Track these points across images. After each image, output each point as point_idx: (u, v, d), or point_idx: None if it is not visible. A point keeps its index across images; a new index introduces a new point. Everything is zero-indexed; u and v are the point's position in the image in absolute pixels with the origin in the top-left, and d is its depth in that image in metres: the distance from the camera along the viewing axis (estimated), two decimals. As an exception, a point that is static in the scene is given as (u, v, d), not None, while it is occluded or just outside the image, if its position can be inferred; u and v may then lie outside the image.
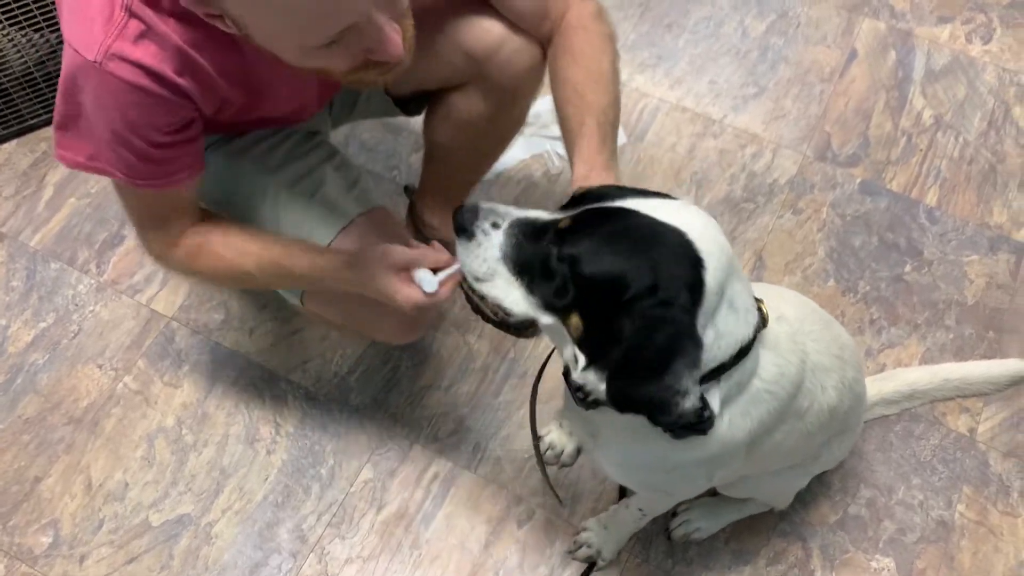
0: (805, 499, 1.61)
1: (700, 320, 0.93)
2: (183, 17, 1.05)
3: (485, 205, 1.01)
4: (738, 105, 2.13)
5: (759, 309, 1.02)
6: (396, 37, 1.03)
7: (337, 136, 1.80)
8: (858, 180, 2.02)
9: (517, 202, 1.94)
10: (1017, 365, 1.71)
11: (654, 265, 0.92)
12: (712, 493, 1.52)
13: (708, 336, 0.94)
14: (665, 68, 2.18)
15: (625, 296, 0.92)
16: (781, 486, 1.48)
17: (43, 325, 1.79)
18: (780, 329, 1.09)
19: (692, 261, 0.93)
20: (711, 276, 0.93)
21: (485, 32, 1.36)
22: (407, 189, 1.88)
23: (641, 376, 0.92)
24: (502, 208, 1.01)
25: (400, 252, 1.16)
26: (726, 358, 0.98)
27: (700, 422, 0.95)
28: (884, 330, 1.82)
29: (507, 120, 1.53)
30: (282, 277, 1.30)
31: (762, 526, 1.61)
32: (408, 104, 1.57)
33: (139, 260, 1.85)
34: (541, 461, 1.39)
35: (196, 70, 1.11)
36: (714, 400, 0.98)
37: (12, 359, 1.75)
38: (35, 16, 1.81)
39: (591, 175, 1.14)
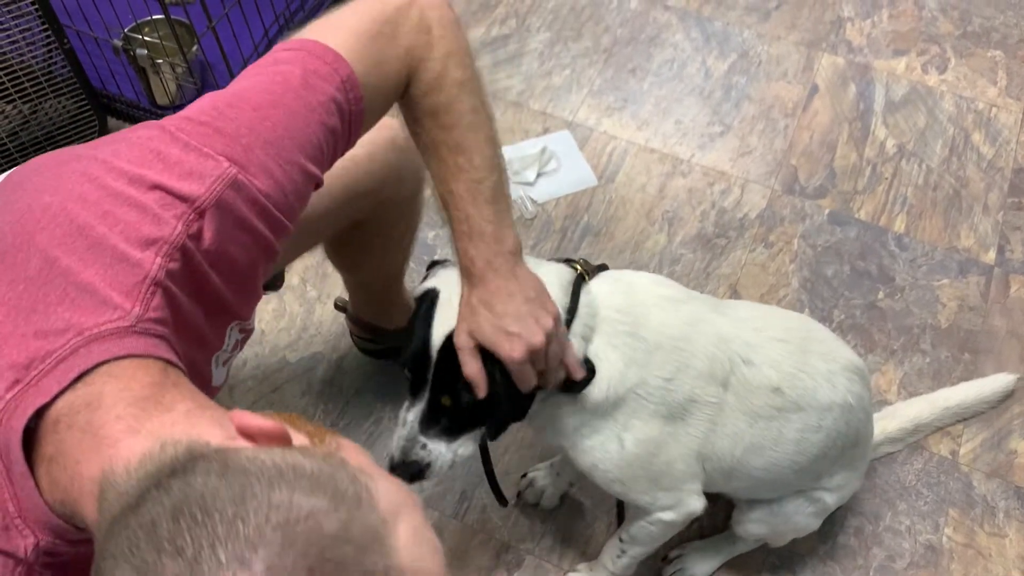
0: (793, 531, 1.61)
1: None
2: None
3: (396, 454, 1.17)
4: (705, 144, 2.17)
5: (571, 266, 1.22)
6: None
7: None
8: (827, 211, 2.06)
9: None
10: (1005, 379, 1.76)
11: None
12: (710, 532, 1.51)
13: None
14: (631, 111, 2.23)
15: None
16: (795, 518, 1.43)
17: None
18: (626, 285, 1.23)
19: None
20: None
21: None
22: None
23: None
24: (404, 435, 1.17)
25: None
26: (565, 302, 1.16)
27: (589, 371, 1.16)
28: (861, 357, 1.83)
29: (400, 220, 1.51)
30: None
31: (752, 562, 1.61)
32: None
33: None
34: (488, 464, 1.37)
35: None
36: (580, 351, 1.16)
37: None
38: (7, 88, 1.83)
39: (487, 271, 1.12)
